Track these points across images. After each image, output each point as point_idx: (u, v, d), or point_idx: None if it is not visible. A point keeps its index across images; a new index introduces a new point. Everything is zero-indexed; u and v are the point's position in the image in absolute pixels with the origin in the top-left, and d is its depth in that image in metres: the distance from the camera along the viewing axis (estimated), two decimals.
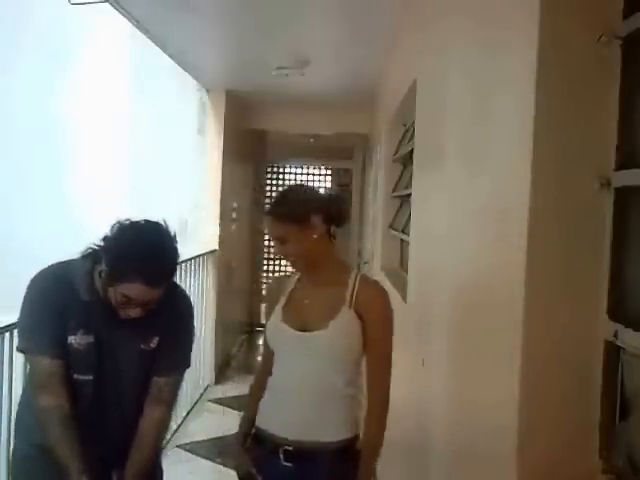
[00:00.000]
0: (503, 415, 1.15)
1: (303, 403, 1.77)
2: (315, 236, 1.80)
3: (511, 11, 1.25)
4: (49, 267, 1.74)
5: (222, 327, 5.67)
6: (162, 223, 1.72)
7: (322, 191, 1.94)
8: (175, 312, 1.87)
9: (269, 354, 1.92)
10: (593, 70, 1.03)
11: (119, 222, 1.69)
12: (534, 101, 1.04)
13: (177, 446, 4.23)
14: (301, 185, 1.96)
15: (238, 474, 1.90)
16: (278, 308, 1.87)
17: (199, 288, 5.03)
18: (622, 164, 1.00)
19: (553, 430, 1.05)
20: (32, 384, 1.71)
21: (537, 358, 1.05)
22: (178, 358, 1.92)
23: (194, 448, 4.16)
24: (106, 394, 1.74)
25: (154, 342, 1.80)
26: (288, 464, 1.77)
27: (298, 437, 1.76)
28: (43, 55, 5.54)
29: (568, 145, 1.05)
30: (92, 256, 1.74)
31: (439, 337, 1.84)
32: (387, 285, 3.41)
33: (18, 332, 1.76)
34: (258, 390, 1.93)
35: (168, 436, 4.27)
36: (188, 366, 1.97)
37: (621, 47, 1.01)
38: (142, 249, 1.65)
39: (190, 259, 4.72)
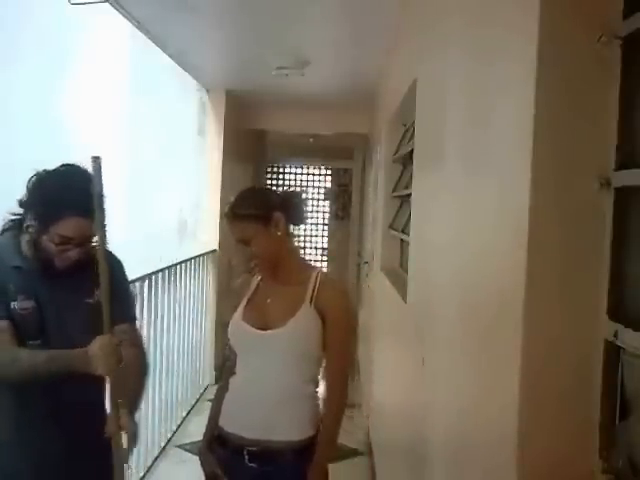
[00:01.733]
0: (503, 415, 1.15)
1: (264, 402, 1.78)
2: (279, 233, 1.82)
3: (511, 11, 1.25)
4: None
5: (222, 327, 5.66)
6: (68, 163, 1.74)
7: (278, 190, 1.96)
8: (113, 262, 1.86)
9: (233, 354, 1.93)
10: (593, 70, 1.03)
11: (29, 179, 1.71)
12: (534, 101, 1.04)
13: (177, 446, 4.24)
14: (257, 186, 1.98)
15: (205, 475, 1.91)
16: (240, 307, 1.89)
17: (199, 288, 5.03)
18: (622, 164, 1.00)
19: (553, 430, 1.05)
20: None
21: (537, 358, 1.05)
22: (130, 303, 1.99)
23: (194, 448, 4.16)
24: None
25: (97, 294, 1.75)
26: (253, 465, 1.78)
27: (261, 437, 1.78)
28: (43, 55, 5.54)
29: (568, 145, 1.05)
30: (12, 227, 1.77)
31: (439, 337, 1.84)
32: (387, 285, 3.41)
33: None
34: (223, 391, 1.94)
35: (169, 435, 4.28)
36: (136, 317, 2.03)
37: (621, 47, 1.01)
38: (66, 186, 1.67)
39: (190, 259, 4.72)
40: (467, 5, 1.69)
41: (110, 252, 1.86)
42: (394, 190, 3.85)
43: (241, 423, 1.82)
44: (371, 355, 4.68)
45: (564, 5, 1.04)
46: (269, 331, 1.80)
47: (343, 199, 10.75)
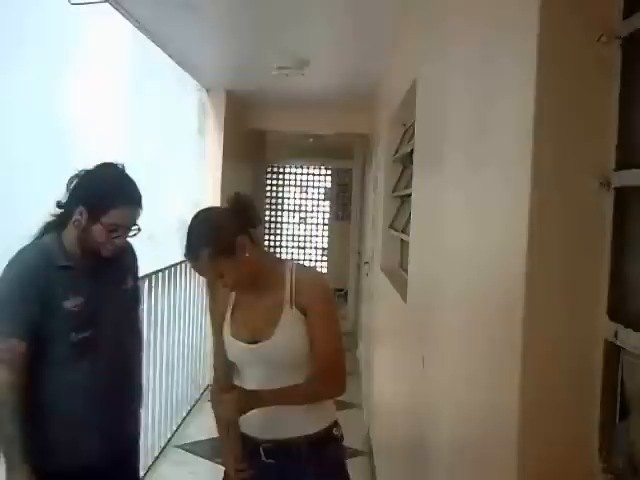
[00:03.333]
0: (503, 415, 1.15)
1: (272, 408, 1.78)
2: (247, 255, 1.75)
3: (511, 11, 1.25)
4: (16, 255, 1.83)
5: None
6: (102, 162, 1.91)
7: (223, 205, 1.85)
8: (132, 253, 2.09)
9: (219, 363, 1.96)
10: (593, 70, 1.03)
11: (70, 180, 1.87)
12: (534, 101, 1.04)
13: (177, 446, 4.23)
14: (208, 215, 1.82)
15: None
16: (226, 322, 1.89)
17: (199, 288, 5.03)
18: (622, 164, 1.00)
19: (553, 430, 1.05)
20: None
21: (537, 358, 1.05)
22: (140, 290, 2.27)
23: (194, 448, 4.16)
24: (107, 343, 1.89)
25: (130, 281, 2.03)
26: (270, 460, 1.81)
27: (275, 436, 1.81)
28: (43, 55, 5.54)
29: (568, 145, 1.05)
30: (52, 227, 1.89)
31: (439, 337, 1.84)
32: (387, 285, 3.41)
33: None
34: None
35: (168, 435, 4.28)
36: None
37: (621, 47, 1.01)
38: (114, 179, 1.86)
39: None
40: (467, 5, 1.69)
41: (129, 242, 2.04)
42: (394, 190, 3.85)
43: (254, 427, 1.83)
44: (371, 355, 4.68)
45: (564, 5, 1.04)
46: (259, 344, 1.79)
47: (343, 199, 10.76)
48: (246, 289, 1.85)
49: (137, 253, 2.13)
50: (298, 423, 1.80)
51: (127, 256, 2.04)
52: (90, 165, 1.89)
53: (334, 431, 1.87)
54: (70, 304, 1.80)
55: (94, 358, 1.86)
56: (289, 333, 1.77)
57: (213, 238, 1.71)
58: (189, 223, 1.78)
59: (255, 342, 1.79)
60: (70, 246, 1.86)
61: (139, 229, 1.91)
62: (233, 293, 1.88)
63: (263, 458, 1.81)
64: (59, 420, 1.85)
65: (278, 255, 10.72)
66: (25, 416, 1.75)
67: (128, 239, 1.95)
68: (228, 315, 1.87)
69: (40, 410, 1.83)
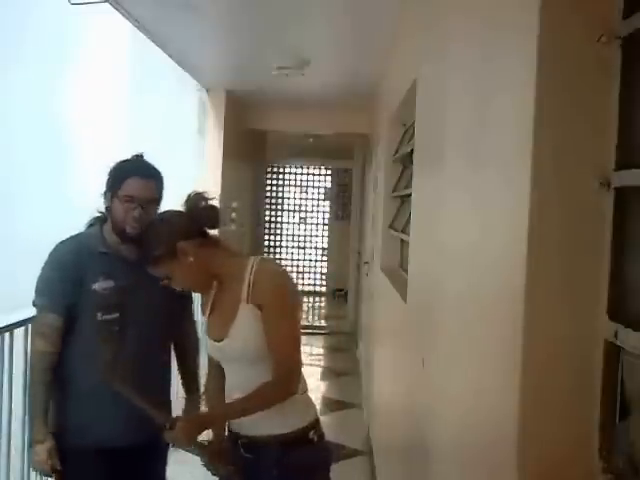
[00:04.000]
0: (503, 415, 1.15)
1: None
2: (191, 259, 1.77)
3: (511, 11, 1.25)
4: (56, 245, 2.03)
5: None
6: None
7: (178, 207, 1.87)
8: None
9: (210, 363, 2.00)
10: (593, 70, 1.03)
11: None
12: (534, 101, 1.04)
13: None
14: (155, 219, 1.89)
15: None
16: (205, 321, 1.94)
17: None
18: (622, 164, 1.00)
19: (553, 430, 1.05)
20: (34, 331, 2.05)
21: (537, 358, 1.05)
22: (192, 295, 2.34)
23: (193, 448, 4.15)
24: (134, 330, 2.00)
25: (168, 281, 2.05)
26: (248, 455, 1.84)
27: (249, 433, 1.83)
28: (43, 55, 5.54)
29: (568, 145, 1.05)
30: (98, 220, 2.07)
31: (439, 337, 1.84)
32: (387, 285, 3.41)
33: (34, 291, 2.01)
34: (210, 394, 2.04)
35: None
36: None
37: (621, 47, 1.01)
38: (126, 160, 2.04)
39: None
40: (467, 5, 1.69)
41: None
42: (394, 190, 3.85)
43: (235, 422, 1.86)
44: (371, 355, 4.68)
45: (564, 5, 1.04)
46: (222, 342, 1.81)
47: (343, 199, 10.76)
48: (207, 288, 1.88)
49: None
50: (267, 422, 1.79)
51: None
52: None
53: (310, 434, 1.82)
54: (99, 286, 1.96)
55: (119, 341, 1.97)
56: (244, 332, 1.76)
57: (153, 243, 1.79)
58: None
59: (221, 340, 1.82)
60: (109, 236, 2.02)
61: (159, 202, 2.02)
62: (212, 293, 1.89)
63: (242, 452, 1.85)
64: (82, 397, 1.99)
65: (278, 254, 10.73)
66: (53, 387, 1.95)
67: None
68: (207, 315, 1.92)
69: (67, 385, 2.00)
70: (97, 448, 1.96)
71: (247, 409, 1.77)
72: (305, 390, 1.89)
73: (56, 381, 1.97)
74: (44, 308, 1.98)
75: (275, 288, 1.76)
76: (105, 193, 2.03)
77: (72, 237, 2.05)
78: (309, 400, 1.92)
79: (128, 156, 2.08)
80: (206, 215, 1.84)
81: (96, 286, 1.96)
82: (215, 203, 1.91)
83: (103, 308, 1.96)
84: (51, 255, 2.01)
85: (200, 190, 1.89)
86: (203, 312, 1.95)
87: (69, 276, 1.96)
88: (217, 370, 1.94)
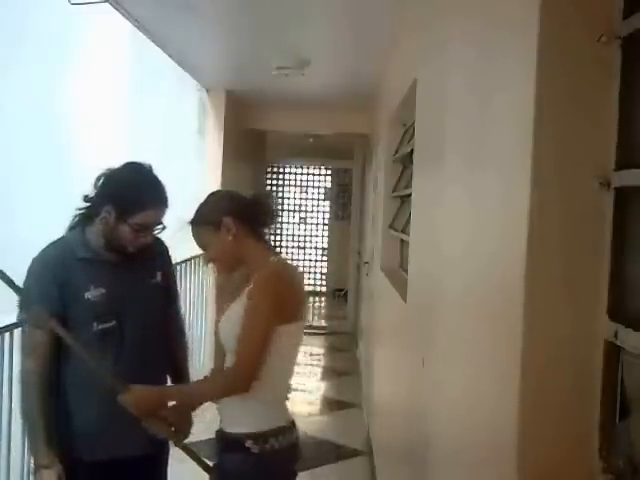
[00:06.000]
0: (503, 415, 1.15)
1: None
2: (230, 238, 1.83)
3: (511, 11, 1.25)
4: (39, 252, 1.90)
5: None
6: (131, 161, 1.96)
7: (245, 194, 1.95)
8: (163, 248, 2.13)
9: (218, 341, 2.05)
10: (593, 70, 1.03)
11: (98, 177, 1.91)
12: (534, 101, 1.04)
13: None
14: (219, 191, 2.01)
15: None
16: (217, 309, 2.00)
17: (199, 288, 5.03)
18: (622, 164, 1.00)
19: (553, 430, 1.05)
20: (21, 350, 1.93)
21: (537, 358, 1.05)
22: (176, 287, 2.30)
23: (194, 447, 4.15)
24: (132, 335, 1.93)
25: (159, 276, 2.05)
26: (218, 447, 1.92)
27: (221, 425, 1.89)
28: (43, 55, 5.54)
29: (568, 145, 1.05)
30: (79, 221, 1.94)
31: (439, 337, 1.84)
32: (387, 285, 3.41)
33: (17, 305, 1.91)
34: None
35: None
36: None
37: (621, 47, 1.01)
38: (143, 182, 1.91)
39: (190, 259, 4.72)
40: (467, 5, 1.69)
41: (159, 238, 2.08)
42: (394, 190, 3.85)
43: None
44: (371, 355, 4.68)
45: (564, 5, 1.04)
46: (219, 324, 1.89)
47: (343, 199, 10.76)
48: (226, 275, 1.92)
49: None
50: (229, 418, 1.84)
51: (156, 250, 2.06)
52: (117, 164, 1.94)
53: (247, 442, 1.77)
54: (91, 294, 1.86)
55: (118, 349, 1.91)
56: (231, 320, 1.81)
57: (204, 209, 1.87)
58: None
59: (219, 322, 1.90)
60: (94, 239, 1.91)
61: (164, 227, 1.98)
62: (233, 276, 1.94)
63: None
64: (83, 409, 1.90)
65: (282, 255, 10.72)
66: (51, 403, 1.85)
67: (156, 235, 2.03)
68: (218, 294, 1.98)
69: (66, 398, 1.90)
70: (105, 459, 1.90)
71: (193, 394, 1.85)
72: (281, 399, 1.86)
73: (58, 396, 1.88)
74: (28, 324, 1.88)
75: (261, 288, 1.76)
76: (102, 204, 1.88)
77: (54, 243, 1.92)
78: (275, 411, 1.85)
79: (135, 166, 1.94)
80: (262, 210, 1.91)
81: (89, 295, 1.86)
82: (276, 209, 2.00)
83: (99, 317, 1.87)
84: (32, 266, 1.88)
85: (268, 192, 1.96)
86: (217, 291, 2.00)
87: (52, 286, 1.84)
88: (222, 349, 1.96)
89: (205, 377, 1.91)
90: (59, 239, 1.94)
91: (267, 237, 1.99)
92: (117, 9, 3.24)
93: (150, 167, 1.96)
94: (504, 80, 1.27)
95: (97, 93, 5.97)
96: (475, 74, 1.54)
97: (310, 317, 9.40)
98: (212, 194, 1.95)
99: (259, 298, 1.74)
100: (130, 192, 1.87)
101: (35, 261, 1.88)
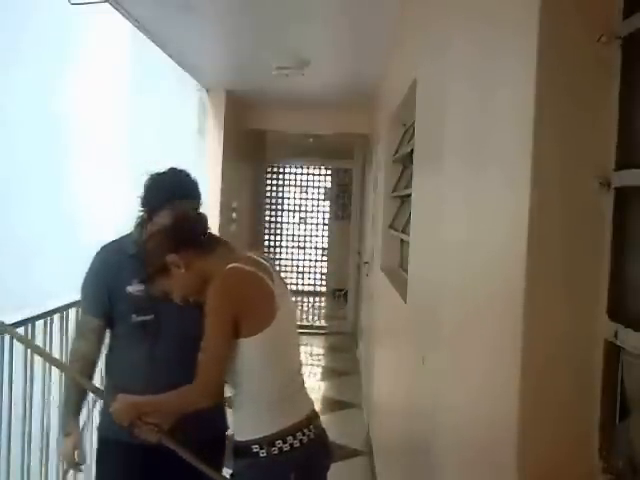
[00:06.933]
0: (503, 415, 1.15)
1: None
2: (183, 270, 1.79)
3: (511, 11, 1.25)
4: (105, 243, 2.13)
5: None
6: (174, 167, 2.11)
7: (162, 220, 1.92)
8: None
9: None
10: (593, 70, 1.03)
11: (146, 180, 2.06)
12: (534, 101, 1.04)
13: None
14: (145, 238, 1.93)
15: None
16: None
17: None
18: (622, 164, 1.00)
19: (553, 430, 1.05)
20: (75, 331, 2.19)
21: (537, 358, 1.05)
22: None
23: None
24: (169, 331, 2.04)
25: None
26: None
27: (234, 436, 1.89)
28: (43, 55, 5.54)
29: (568, 145, 1.05)
30: (140, 221, 2.10)
31: (439, 337, 1.84)
32: (387, 285, 3.41)
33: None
34: None
35: None
36: None
37: (621, 47, 1.01)
38: (165, 183, 2.05)
39: None
40: (467, 5, 1.69)
41: None
42: (394, 190, 3.86)
43: None
44: (371, 355, 4.68)
45: (564, 5, 1.04)
46: None
47: (343, 199, 10.76)
48: (202, 294, 1.80)
49: None
50: (234, 426, 1.86)
51: None
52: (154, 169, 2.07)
53: (254, 448, 1.76)
54: (132, 288, 2.03)
55: (154, 341, 2.04)
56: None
57: (152, 256, 1.83)
58: None
59: None
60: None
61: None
62: None
63: None
64: (109, 390, 2.03)
65: (278, 254, 10.73)
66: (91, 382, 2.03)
67: None
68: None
69: (107, 382, 2.12)
70: (124, 440, 1.94)
71: (163, 404, 1.82)
72: (285, 397, 1.81)
73: (104, 379, 2.12)
74: (83, 310, 2.14)
75: (211, 293, 1.73)
76: (140, 204, 2.06)
77: (114, 240, 2.14)
78: (280, 412, 1.81)
79: (168, 170, 2.08)
80: (189, 227, 1.84)
81: (130, 288, 2.04)
82: (200, 210, 2.00)
83: (137, 310, 2.04)
84: (91, 260, 2.11)
85: (182, 202, 1.96)
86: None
87: (103, 279, 2.07)
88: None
89: (174, 391, 1.81)
90: (122, 236, 2.14)
91: (216, 239, 1.95)
92: (117, 9, 3.24)
93: (183, 171, 2.09)
94: (504, 80, 1.27)
95: (97, 93, 5.96)
96: (475, 74, 1.54)
97: (310, 317, 9.40)
98: (150, 235, 1.89)
99: (211, 301, 1.72)
100: (152, 194, 2.03)
101: (93, 258, 2.10)
